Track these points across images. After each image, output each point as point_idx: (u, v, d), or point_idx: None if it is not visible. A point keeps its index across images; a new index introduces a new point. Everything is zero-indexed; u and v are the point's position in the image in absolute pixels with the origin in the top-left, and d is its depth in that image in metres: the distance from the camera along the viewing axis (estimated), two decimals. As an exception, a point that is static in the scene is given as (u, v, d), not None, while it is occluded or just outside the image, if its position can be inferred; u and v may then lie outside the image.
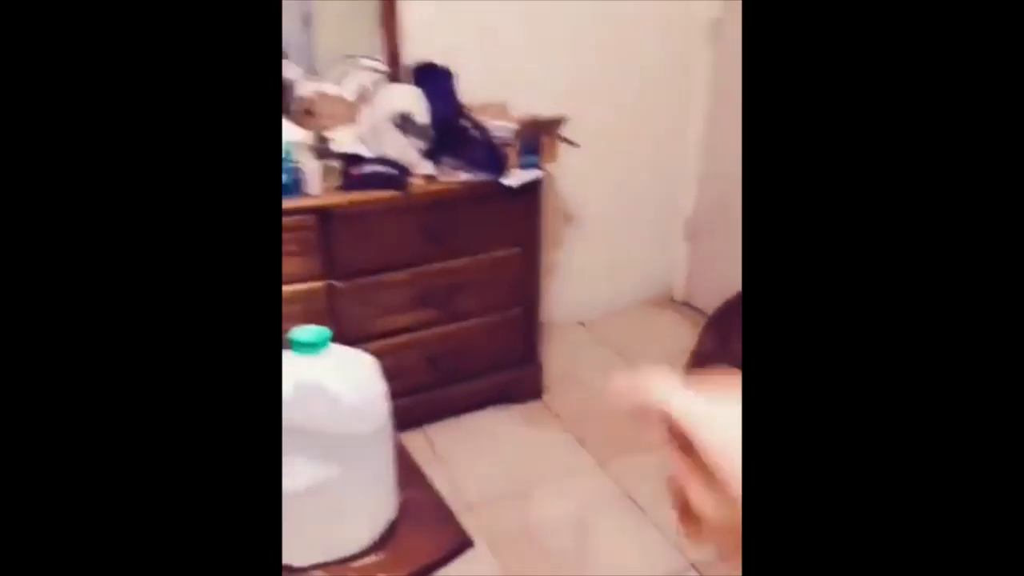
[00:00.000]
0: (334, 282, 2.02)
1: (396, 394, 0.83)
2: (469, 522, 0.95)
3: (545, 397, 2.56)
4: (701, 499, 0.31)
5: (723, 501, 0.30)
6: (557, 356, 2.72)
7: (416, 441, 2.23)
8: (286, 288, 1.94)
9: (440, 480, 1.33)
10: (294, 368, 0.76)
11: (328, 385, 0.76)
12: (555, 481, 2.18)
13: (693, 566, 1.85)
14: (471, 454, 2.27)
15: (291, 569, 0.79)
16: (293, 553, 0.79)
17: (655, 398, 0.32)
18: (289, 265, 1.94)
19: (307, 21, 2.36)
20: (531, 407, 2.53)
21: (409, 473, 0.92)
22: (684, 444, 0.31)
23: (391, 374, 0.82)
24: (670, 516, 0.36)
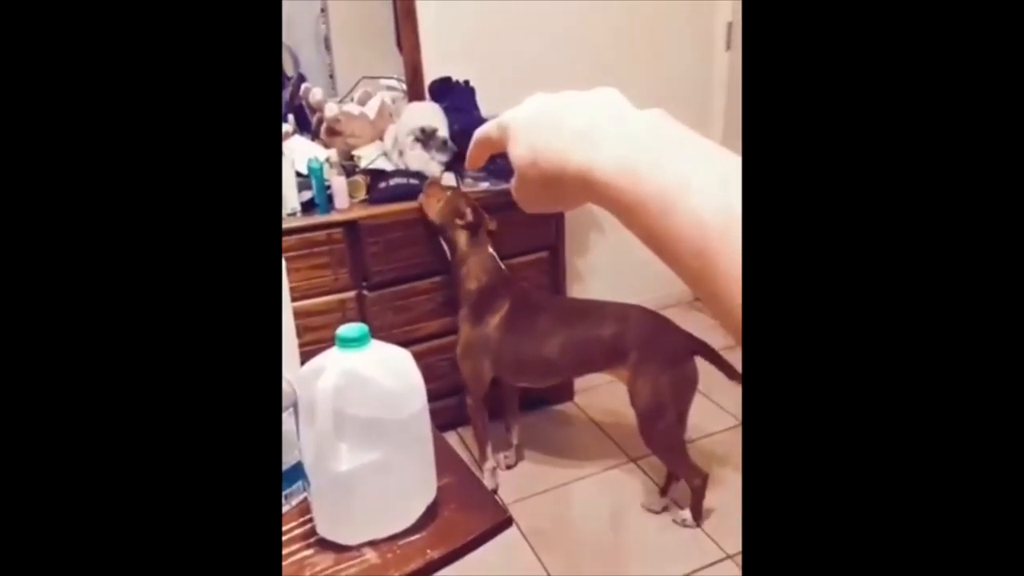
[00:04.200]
0: (365, 292, 2.09)
1: (428, 398, 0.88)
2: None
3: (576, 399, 2.61)
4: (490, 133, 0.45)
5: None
6: (585, 358, 2.77)
7: (452, 442, 2.28)
8: (320, 299, 2.02)
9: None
10: (339, 361, 0.81)
11: (370, 375, 0.81)
12: (589, 477, 2.22)
13: (730, 557, 1.87)
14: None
15: (342, 547, 0.84)
16: (344, 532, 0.84)
17: (482, 132, 0.46)
18: (321, 277, 2.01)
19: (326, 44, 2.45)
20: (563, 408, 2.57)
21: (447, 460, 0.97)
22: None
23: (423, 378, 0.87)
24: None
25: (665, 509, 2.05)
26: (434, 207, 2.02)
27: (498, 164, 2.22)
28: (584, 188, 0.37)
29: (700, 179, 0.32)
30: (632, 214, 0.35)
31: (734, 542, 1.91)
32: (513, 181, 0.44)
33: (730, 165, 0.32)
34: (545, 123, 0.41)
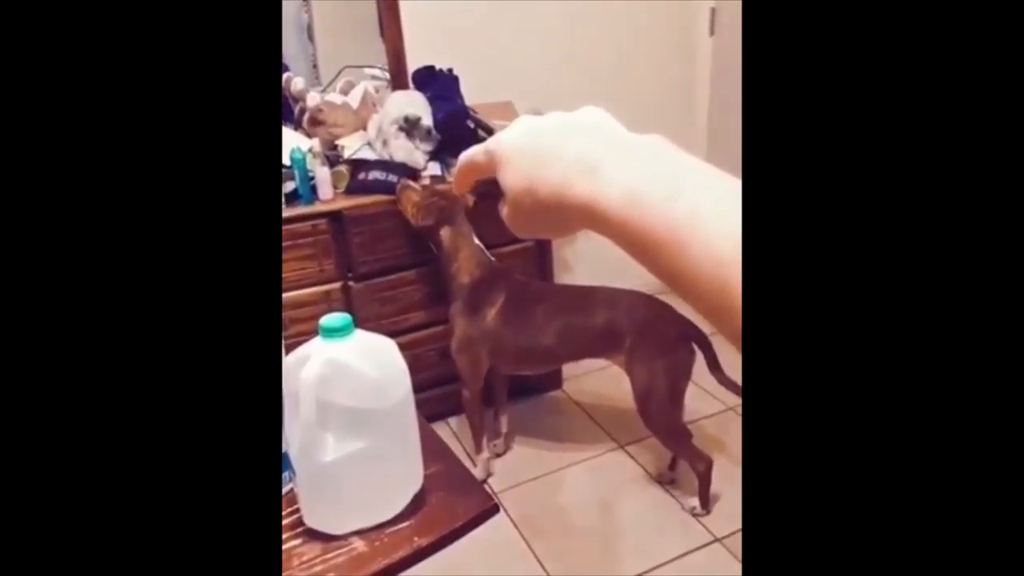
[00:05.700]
0: (350, 283, 2.08)
1: (417, 389, 0.88)
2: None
3: (565, 386, 2.61)
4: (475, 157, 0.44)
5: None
6: (573, 346, 2.77)
7: (442, 433, 2.28)
8: (305, 291, 2.01)
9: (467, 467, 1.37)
10: (323, 351, 0.81)
11: (353, 364, 0.81)
12: (578, 464, 2.23)
13: (719, 540, 1.88)
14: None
15: (330, 537, 0.84)
16: (330, 522, 0.84)
17: (467, 158, 0.45)
18: (306, 268, 2.00)
19: (308, 33, 2.43)
20: (552, 396, 2.58)
21: (434, 449, 0.97)
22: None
23: (411, 370, 0.87)
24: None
25: (671, 482, 2.10)
26: (409, 212, 2.00)
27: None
28: (586, 219, 0.36)
29: (710, 209, 0.31)
30: (641, 247, 0.34)
31: (723, 525, 1.93)
32: (504, 208, 0.42)
33: (737, 191, 0.31)
34: (539, 150, 0.39)
